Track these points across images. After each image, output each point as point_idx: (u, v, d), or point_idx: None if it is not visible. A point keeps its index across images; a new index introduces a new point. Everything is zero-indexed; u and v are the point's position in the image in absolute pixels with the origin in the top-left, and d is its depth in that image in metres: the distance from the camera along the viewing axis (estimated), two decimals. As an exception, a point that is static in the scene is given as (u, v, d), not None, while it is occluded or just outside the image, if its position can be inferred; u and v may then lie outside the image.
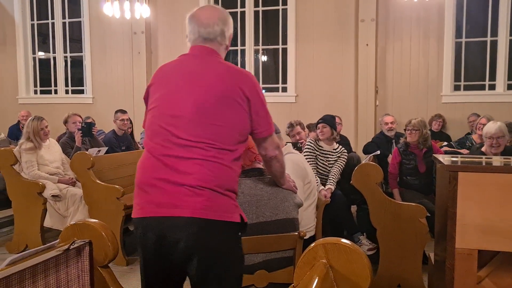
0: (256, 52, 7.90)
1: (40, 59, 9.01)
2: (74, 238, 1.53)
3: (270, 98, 7.54)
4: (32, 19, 8.79)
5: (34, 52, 8.90)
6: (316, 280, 1.32)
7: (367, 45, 6.76)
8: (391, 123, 5.49)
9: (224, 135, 1.67)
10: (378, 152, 4.83)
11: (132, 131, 6.15)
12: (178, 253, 1.62)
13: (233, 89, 1.70)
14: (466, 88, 6.93)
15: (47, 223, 4.43)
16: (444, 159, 2.24)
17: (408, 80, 6.95)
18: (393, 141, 5.37)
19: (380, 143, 5.34)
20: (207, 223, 1.59)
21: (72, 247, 1.42)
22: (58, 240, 1.58)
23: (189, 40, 1.86)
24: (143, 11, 6.01)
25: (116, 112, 6.44)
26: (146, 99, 1.85)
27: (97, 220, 1.69)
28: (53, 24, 8.67)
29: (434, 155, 3.17)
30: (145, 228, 1.65)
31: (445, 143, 5.76)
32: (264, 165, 2.10)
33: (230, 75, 1.74)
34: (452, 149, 5.27)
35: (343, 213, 4.09)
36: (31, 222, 4.41)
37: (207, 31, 1.80)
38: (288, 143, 3.18)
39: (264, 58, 8.33)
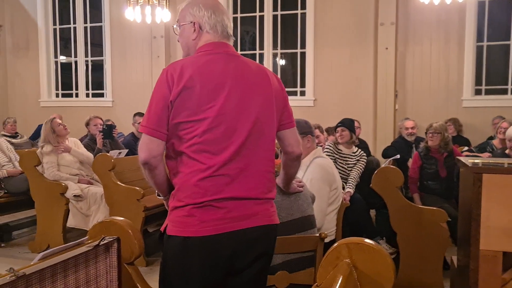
0: (275, 56, 7.93)
1: (61, 63, 9.19)
2: (102, 235, 1.57)
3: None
4: (55, 24, 8.98)
5: (56, 56, 9.08)
6: (340, 279, 1.32)
7: (387, 49, 6.73)
8: (412, 128, 5.44)
9: (274, 140, 1.74)
10: (398, 156, 4.79)
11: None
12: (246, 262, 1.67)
13: (276, 89, 1.72)
14: (488, 92, 6.84)
15: (71, 223, 4.51)
16: (468, 161, 2.23)
17: (428, 84, 6.89)
18: (413, 145, 5.32)
19: (400, 148, 5.30)
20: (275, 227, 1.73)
21: (101, 243, 1.45)
22: (86, 237, 1.62)
23: (215, 30, 1.70)
24: (164, 16, 6.10)
25: (135, 115, 6.55)
26: (167, 111, 1.59)
27: (123, 218, 1.72)
28: (74, 28, 8.84)
29: (457, 157, 3.14)
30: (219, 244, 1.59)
31: (466, 148, 5.69)
32: (285, 167, 1.94)
33: (274, 77, 1.76)
34: (473, 153, 5.20)
35: (362, 216, 4.07)
36: (53, 222, 4.50)
37: (231, 26, 1.73)
38: (318, 146, 3.17)
39: (282, 62, 8.35)
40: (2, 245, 4.76)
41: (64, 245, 1.45)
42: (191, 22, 1.71)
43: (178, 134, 1.59)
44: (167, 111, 1.57)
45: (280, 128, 1.77)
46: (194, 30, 1.70)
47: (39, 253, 3.95)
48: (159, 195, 1.74)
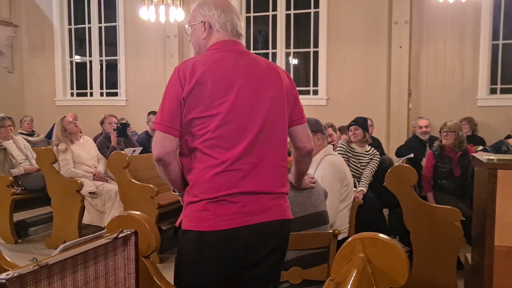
0: (287, 55, 7.93)
1: (76, 63, 9.32)
2: (120, 228, 1.60)
3: (301, 100, 7.57)
4: (70, 24, 9.10)
5: (71, 56, 9.20)
6: (354, 273, 1.34)
7: (401, 47, 6.69)
8: (425, 126, 5.40)
9: (286, 136, 1.77)
10: (412, 155, 4.78)
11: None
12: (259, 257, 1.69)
13: (287, 86, 1.76)
14: (503, 91, 6.76)
15: (86, 219, 4.58)
16: (483, 157, 2.22)
17: (442, 83, 6.84)
18: (427, 144, 5.29)
19: (413, 147, 5.28)
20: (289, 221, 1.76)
21: (120, 236, 1.49)
22: (104, 230, 1.66)
23: (224, 29, 1.72)
24: (178, 15, 6.15)
25: (149, 113, 6.62)
26: (180, 108, 1.62)
27: (140, 213, 1.76)
28: (89, 28, 8.94)
29: (472, 154, 3.12)
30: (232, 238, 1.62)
31: (480, 147, 5.64)
32: (296, 163, 1.97)
33: (284, 74, 1.78)
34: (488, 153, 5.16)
35: (375, 215, 4.06)
36: (69, 218, 4.57)
37: (240, 25, 1.77)
38: (329, 144, 3.18)
39: (295, 61, 8.36)
40: (19, 241, 4.85)
41: (84, 237, 1.49)
42: (202, 22, 1.74)
43: (191, 131, 1.62)
44: (180, 108, 1.61)
45: (291, 124, 1.79)
46: (205, 29, 1.74)
47: (55, 249, 4.02)
48: (174, 191, 1.78)
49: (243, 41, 1.79)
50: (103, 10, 8.83)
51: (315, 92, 7.59)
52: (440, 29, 6.77)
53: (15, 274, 1.13)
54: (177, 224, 1.69)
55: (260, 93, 1.67)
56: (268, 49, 8.01)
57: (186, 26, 1.83)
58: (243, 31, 1.79)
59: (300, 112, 1.82)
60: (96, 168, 4.81)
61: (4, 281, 1.10)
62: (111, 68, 9.15)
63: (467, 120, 6.35)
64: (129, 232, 1.55)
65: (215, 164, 1.60)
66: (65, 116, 4.81)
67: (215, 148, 1.60)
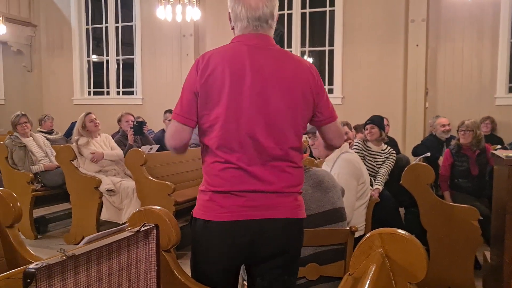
0: (302, 54, 7.93)
1: (93, 62, 9.44)
2: (141, 222, 1.64)
3: (315, 99, 7.59)
4: (87, 24, 9.23)
5: (88, 55, 9.34)
6: (373, 269, 1.34)
7: (417, 45, 6.64)
8: (448, 124, 5.33)
9: (301, 136, 1.73)
10: (428, 154, 4.74)
11: (181, 131, 6.33)
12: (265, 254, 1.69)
13: (311, 85, 1.69)
14: (522, 90, 6.67)
15: (104, 216, 4.65)
16: (503, 154, 2.20)
17: (460, 81, 6.77)
18: (444, 143, 5.24)
19: (430, 145, 5.23)
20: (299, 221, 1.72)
21: (142, 229, 1.52)
22: (127, 224, 1.69)
23: (248, 22, 1.67)
24: (194, 14, 6.20)
25: (166, 112, 6.67)
26: (195, 99, 1.63)
27: (161, 207, 1.79)
28: (106, 28, 9.06)
29: (492, 151, 3.09)
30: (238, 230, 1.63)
31: (499, 146, 5.57)
32: (325, 147, 1.98)
33: (310, 73, 1.71)
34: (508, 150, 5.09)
35: (391, 213, 4.05)
36: (87, 215, 4.65)
37: (265, 18, 1.67)
38: (345, 142, 3.18)
39: (310, 59, 8.35)
40: (39, 236, 4.95)
41: (107, 231, 1.52)
42: (229, 13, 1.75)
43: (202, 127, 1.66)
44: (196, 99, 1.62)
45: (321, 123, 1.78)
46: (230, 20, 1.75)
47: (75, 244, 4.10)
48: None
49: (271, 34, 1.72)
50: (120, 10, 8.94)
51: (330, 91, 7.57)
52: (458, 27, 6.70)
53: (44, 264, 1.17)
54: (192, 212, 1.75)
55: (270, 92, 1.62)
56: (283, 47, 8.01)
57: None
58: (272, 23, 1.71)
59: (329, 111, 1.77)
60: (114, 166, 4.88)
61: (33, 270, 1.14)
62: (128, 67, 9.25)
63: (490, 119, 6.28)
64: (151, 226, 1.58)
65: (221, 161, 1.62)
66: (90, 113, 4.90)
67: (221, 148, 1.62)
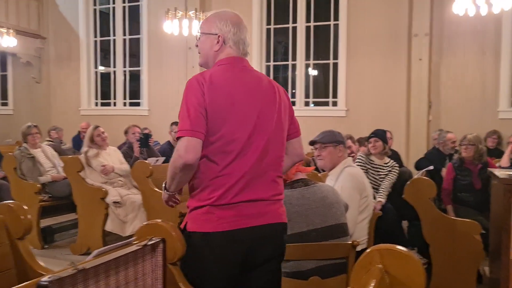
0: (307, 66, 8.01)
1: (101, 73, 9.57)
2: (148, 236, 1.69)
3: (320, 112, 7.68)
4: (95, 36, 9.38)
5: (96, 67, 9.47)
6: (373, 284, 1.39)
7: (420, 59, 6.71)
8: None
9: (284, 147, 1.88)
10: (431, 167, 4.77)
11: (186, 142, 6.40)
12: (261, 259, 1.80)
13: (285, 102, 1.88)
14: (525, 103, 6.71)
15: (108, 227, 4.70)
16: (500, 173, 2.24)
17: (463, 95, 6.82)
18: (447, 157, 5.28)
19: (433, 159, 5.27)
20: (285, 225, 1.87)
21: (149, 243, 1.57)
22: (134, 238, 1.75)
23: (237, 47, 1.82)
24: (200, 28, 6.30)
25: (172, 124, 6.75)
26: (205, 115, 1.70)
27: (167, 221, 1.84)
28: (114, 40, 9.20)
29: (489, 169, 3.13)
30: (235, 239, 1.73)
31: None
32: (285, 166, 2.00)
33: (282, 91, 1.89)
34: (509, 166, 5.11)
35: (393, 226, 4.07)
36: (93, 225, 4.70)
37: (249, 44, 1.88)
38: (349, 156, 3.23)
39: (314, 72, 8.43)
40: (45, 246, 5.00)
41: (115, 244, 1.58)
42: (216, 35, 1.82)
43: (206, 142, 1.71)
44: (205, 114, 1.69)
45: (289, 137, 1.92)
46: (218, 42, 1.82)
47: (81, 255, 4.13)
48: (167, 189, 1.85)
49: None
50: (127, 23, 9.08)
51: (335, 104, 7.65)
52: (461, 41, 6.77)
53: (56, 277, 1.23)
54: (181, 226, 1.81)
55: (264, 110, 1.78)
56: (287, 60, 8.11)
57: (198, 33, 1.90)
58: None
59: (296, 126, 1.95)
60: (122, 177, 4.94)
61: (46, 283, 1.20)
62: (134, 79, 9.38)
63: (497, 134, 6.30)
64: (158, 240, 1.63)
65: (221, 176, 1.71)
66: (98, 126, 4.97)
67: (222, 162, 1.71)
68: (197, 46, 1.92)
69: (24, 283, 1.29)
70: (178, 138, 1.71)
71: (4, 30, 7.49)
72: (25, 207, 2.13)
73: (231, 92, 1.74)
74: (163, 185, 1.87)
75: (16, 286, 1.28)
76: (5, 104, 10.24)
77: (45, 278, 1.22)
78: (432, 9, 6.76)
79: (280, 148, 1.85)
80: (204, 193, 1.73)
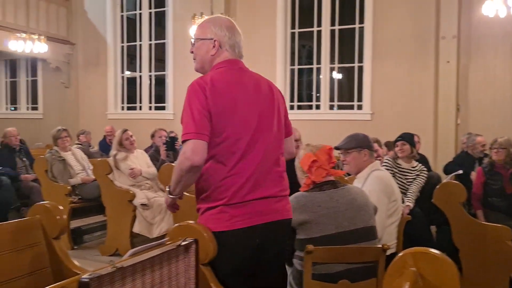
0: (332, 70, 7.98)
1: (127, 78, 9.75)
2: (180, 237, 1.72)
3: (344, 115, 7.63)
4: (122, 42, 9.56)
5: (122, 72, 9.65)
6: (407, 287, 1.38)
7: (448, 62, 6.61)
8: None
9: (283, 144, 1.99)
10: (461, 171, 4.69)
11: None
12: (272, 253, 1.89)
13: (281, 101, 1.97)
14: (557, 106, 6.52)
15: (136, 228, 4.77)
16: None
17: (492, 98, 6.67)
18: (477, 161, 5.17)
19: (462, 163, 5.17)
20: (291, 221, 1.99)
21: (183, 243, 1.60)
22: (167, 238, 1.78)
23: (233, 50, 1.90)
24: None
25: (197, 127, 6.80)
26: (209, 118, 1.75)
27: (198, 223, 1.87)
28: (140, 45, 9.36)
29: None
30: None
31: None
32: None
33: (277, 90, 1.99)
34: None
35: (422, 231, 4.02)
36: (122, 227, 4.78)
37: (241, 44, 1.96)
38: (376, 160, 3.21)
39: (338, 76, 8.39)
40: (75, 247, 5.11)
41: (149, 244, 1.61)
42: (212, 39, 1.88)
43: (212, 143, 1.77)
44: (209, 118, 1.74)
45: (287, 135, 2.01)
46: (214, 46, 1.88)
47: (109, 256, 4.21)
48: (170, 193, 1.91)
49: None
50: (153, 28, 9.24)
51: (359, 107, 7.59)
52: (490, 43, 6.63)
53: (96, 275, 1.26)
54: None
55: (264, 108, 1.87)
56: (312, 64, 8.10)
57: (193, 39, 1.96)
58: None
59: (289, 125, 2.04)
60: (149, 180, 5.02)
61: (87, 280, 1.23)
62: (160, 83, 9.51)
63: None
64: (191, 240, 1.65)
65: (231, 176, 1.77)
66: (126, 130, 5.07)
67: (230, 161, 1.77)
68: (192, 52, 1.97)
69: (66, 280, 1.33)
70: (183, 141, 1.75)
71: (35, 36, 7.71)
72: (61, 208, 2.19)
73: (232, 93, 1.80)
74: (167, 189, 1.92)
75: (59, 283, 1.32)
76: (35, 109, 10.54)
77: (85, 275, 1.26)
78: (460, 11, 6.65)
79: (281, 145, 1.93)
80: (215, 194, 1.79)
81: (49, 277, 2.11)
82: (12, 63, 10.76)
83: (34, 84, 10.52)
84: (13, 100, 10.93)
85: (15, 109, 10.93)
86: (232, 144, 1.77)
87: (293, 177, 2.37)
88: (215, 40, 1.88)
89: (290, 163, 2.14)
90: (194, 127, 1.72)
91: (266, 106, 1.88)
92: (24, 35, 7.58)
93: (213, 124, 1.74)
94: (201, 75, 1.92)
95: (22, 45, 7.58)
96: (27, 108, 10.70)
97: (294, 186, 3.06)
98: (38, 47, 7.75)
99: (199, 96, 1.74)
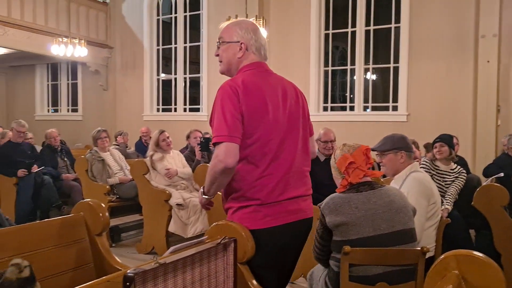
0: (366, 70, 7.89)
1: (162, 80, 9.94)
2: (219, 236, 1.75)
3: (379, 116, 7.52)
4: (158, 45, 9.76)
5: (158, 74, 9.85)
6: (449, 290, 1.35)
7: (488, 62, 6.40)
8: None
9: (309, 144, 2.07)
10: (502, 174, 4.54)
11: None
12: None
13: (304, 102, 2.04)
14: None
15: (171, 228, 4.86)
16: None
17: (535, 98, 6.43)
18: (518, 163, 5.00)
19: (503, 165, 5.00)
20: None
21: (222, 242, 1.63)
22: (206, 236, 1.81)
23: (259, 52, 1.94)
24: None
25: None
26: (242, 120, 1.80)
27: (237, 222, 1.89)
28: (175, 48, 9.53)
29: None
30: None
31: None
32: None
33: (300, 92, 2.06)
34: None
35: (461, 235, 3.91)
36: (158, 226, 4.88)
37: (266, 47, 2.01)
38: (415, 161, 3.15)
39: (373, 76, 8.28)
40: (113, 245, 5.24)
41: (188, 242, 1.65)
42: (239, 42, 1.93)
43: (244, 145, 1.81)
44: (241, 120, 1.78)
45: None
46: (241, 49, 1.93)
47: (145, 254, 4.29)
48: (205, 194, 1.98)
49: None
50: (188, 31, 9.39)
51: (395, 108, 7.46)
52: (534, 42, 6.40)
53: (141, 270, 1.30)
54: None
55: (292, 110, 1.93)
56: (346, 65, 8.03)
57: (218, 42, 2.01)
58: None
59: (311, 126, 2.09)
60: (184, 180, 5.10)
61: (132, 274, 1.27)
62: (194, 85, 9.65)
63: None
64: (230, 239, 1.68)
65: (264, 176, 1.83)
66: (163, 131, 5.17)
67: (264, 162, 1.83)
68: (217, 55, 2.03)
69: (112, 275, 1.38)
70: (215, 144, 1.78)
71: (76, 41, 7.98)
72: (103, 205, 2.27)
73: (263, 95, 1.84)
74: (201, 190, 2.00)
75: (105, 277, 1.37)
76: (75, 111, 10.90)
77: (130, 271, 1.30)
78: (501, 8, 6.44)
79: (307, 145, 2.01)
80: (248, 194, 1.85)
81: (92, 272, 2.18)
82: (53, 66, 11.17)
83: (74, 87, 10.89)
84: (54, 102, 11.34)
85: (56, 111, 11.34)
86: (264, 145, 1.82)
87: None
88: (241, 43, 1.92)
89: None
90: (227, 129, 1.75)
91: (293, 107, 1.93)
92: (65, 39, 7.86)
93: (244, 126, 1.78)
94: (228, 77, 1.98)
95: (63, 49, 7.85)
96: (68, 110, 11.08)
97: (320, 186, 3.06)
98: (78, 51, 8.01)
99: (232, 99, 1.78)
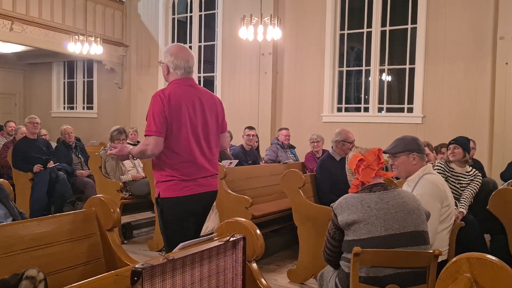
0: (381, 71, 7.82)
1: (177, 79, 9.97)
2: (228, 233, 1.74)
3: (393, 118, 7.44)
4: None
5: (173, 73, 9.88)
6: (461, 293, 1.33)
7: (507, 64, 6.29)
8: None
9: (219, 139, 2.81)
10: (519, 178, 4.46)
11: (258, 146, 6.49)
12: None
13: (220, 108, 2.78)
14: None
15: (183, 226, 4.87)
16: None
17: (554, 101, 6.30)
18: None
19: (521, 169, 4.92)
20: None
21: (231, 239, 1.62)
22: (215, 234, 1.81)
23: (179, 70, 2.59)
24: (275, 34, 6.38)
25: (245, 128, 6.88)
26: (166, 121, 2.48)
27: (247, 220, 1.89)
28: (190, 47, 9.55)
29: None
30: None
31: None
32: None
33: (218, 100, 2.80)
34: None
35: (475, 239, 3.84)
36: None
37: (192, 64, 2.65)
38: (428, 163, 3.11)
39: (388, 78, 8.20)
40: (125, 242, 5.28)
41: (197, 239, 1.64)
42: (164, 63, 2.64)
43: (168, 140, 2.52)
44: (166, 121, 2.46)
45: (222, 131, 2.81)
46: (167, 68, 2.63)
47: (157, 251, 4.29)
48: (130, 154, 2.65)
49: (193, 76, 2.72)
50: (203, 30, 9.42)
51: (410, 110, 7.38)
52: (554, 43, 6.26)
53: (149, 264, 1.30)
54: (156, 195, 2.65)
55: (206, 114, 2.63)
56: (361, 66, 7.97)
57: (160, 63, 2.71)
58: (195, 68, 2.72)
59: (224, 125, 2.83)
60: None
61: (140, 269, 1.28)
62: (208, 84, 9.67)
63: None
64: (239, 237, 1.67)
65: (179, 159, 2.53)
66: None
67: (177, 149, 2.52)
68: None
69: (121, 269, 1.38)
70: (146, 136, 2.49)
71: (92, 39, 8.06)
72: (115, 201, 2.28)
73: (182, 103, 2.52)
74: (130, 148, 2.72)
75: (114, 271, 1.37)
76: (90, 108, 11.01)
77: (138, 265, 1.30)
78: (521, 9, 6.32)
79: (218, 139, 2.74)
80: (171, 172, 2.52)
81: (103, 267, 2.20)
82: (69, 64, 11.31)
83: (89, 84, 11.01)
84: (70, 99, 11.48)
85: (72, 108, 11.48)
86: (183, 138, 2.51)
87: None
88: (165, 64, 2.63)
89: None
90: (155, 127, 2.45)
91: (208, 112, 2.63)
92: (81, 37, 7.94)
93: (168, 124, 2.46)
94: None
95: (79, 47, 7.94)
96: (83, 108, 11.20)
97: (335, 188, 3.03)
98: (94, 49, 8.10)
99: (160, 104, 2.45)
